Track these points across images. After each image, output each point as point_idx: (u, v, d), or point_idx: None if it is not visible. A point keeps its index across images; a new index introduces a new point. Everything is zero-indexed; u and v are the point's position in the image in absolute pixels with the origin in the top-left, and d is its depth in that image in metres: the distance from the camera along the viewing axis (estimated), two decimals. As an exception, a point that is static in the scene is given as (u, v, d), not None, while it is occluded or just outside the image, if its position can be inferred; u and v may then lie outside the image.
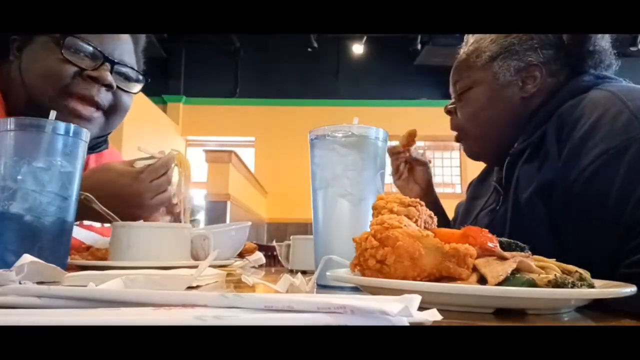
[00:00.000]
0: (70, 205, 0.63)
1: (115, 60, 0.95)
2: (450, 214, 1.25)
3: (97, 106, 0.95)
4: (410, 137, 1.15)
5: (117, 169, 0.88)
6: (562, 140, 0.78)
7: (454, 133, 1.07)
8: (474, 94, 0.98)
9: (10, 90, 0.93)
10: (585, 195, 0.73)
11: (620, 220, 0.69)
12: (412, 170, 1.20)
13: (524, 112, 0.92)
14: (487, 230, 0.50)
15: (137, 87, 1.03)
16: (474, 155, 1.06)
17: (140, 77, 1.02)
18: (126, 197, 0.86)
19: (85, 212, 0.80)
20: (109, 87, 0.94)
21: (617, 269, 0.68)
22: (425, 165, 1.20)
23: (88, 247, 0.85)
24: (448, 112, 1.07)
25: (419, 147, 1.20)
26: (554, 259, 0.49)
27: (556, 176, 0.78)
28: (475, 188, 1.16)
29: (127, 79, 1.00)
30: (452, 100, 1.06)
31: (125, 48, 1.00)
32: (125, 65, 0.98)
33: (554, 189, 0.78)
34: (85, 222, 1.03)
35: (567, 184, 0.75)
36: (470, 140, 1.03)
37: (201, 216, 5.01)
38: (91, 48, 0.92)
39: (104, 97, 0.95)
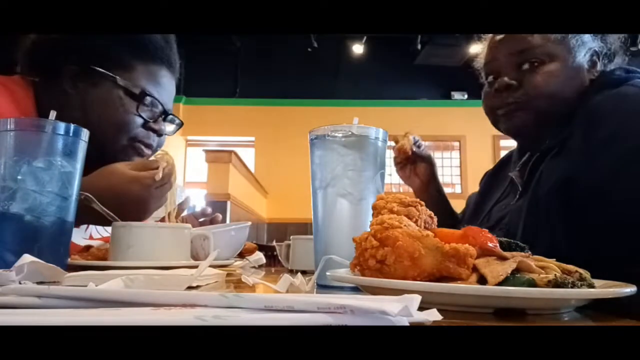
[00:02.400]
0: (70, 205, 0.63)
1: (169, 112, 1.07)
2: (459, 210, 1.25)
3: (151, 149, 1.07)
4: (399, 150, 1.17)
5: (126, 175, 0.89)
6: (588, 136, 0.76)
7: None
8: (548, 69, 0.89)
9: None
10: (610, 192, 0.71)
11: None
12: (414, 164, 1.20)
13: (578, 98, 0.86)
14: (487, 230, 0.50)
15: (173, 129, 1.13)
16: (515, 129, 0.95)
17: (177, 121, 1.12)
18: (134, 203, 0.89)
19: (85, 212, 0.80)
20: (160, 135, 1.07)
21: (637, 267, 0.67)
22: (427, 160, 1.19)
23: (88, 247, 0.85)
24: (507, 86, 0.92)
25: (418, 143, 1.19)
26: (554, 259, 0.49)
27: (580, 172, 0.75)
28: (489, 180, 1.14)
29: (168, 122, 1.11)
30: (509, 73, 0.93)
31: (172, 95, 1.10)
32: (172, 115, 1.09)
33: (576, 185, 0.75)
34: (95, 236, 1.06)
35: (591, 181, 0.73)
36: (523, 114, 0.91)
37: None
38: (158, 104, 1.02)
39: (155, 141, 1.08)
